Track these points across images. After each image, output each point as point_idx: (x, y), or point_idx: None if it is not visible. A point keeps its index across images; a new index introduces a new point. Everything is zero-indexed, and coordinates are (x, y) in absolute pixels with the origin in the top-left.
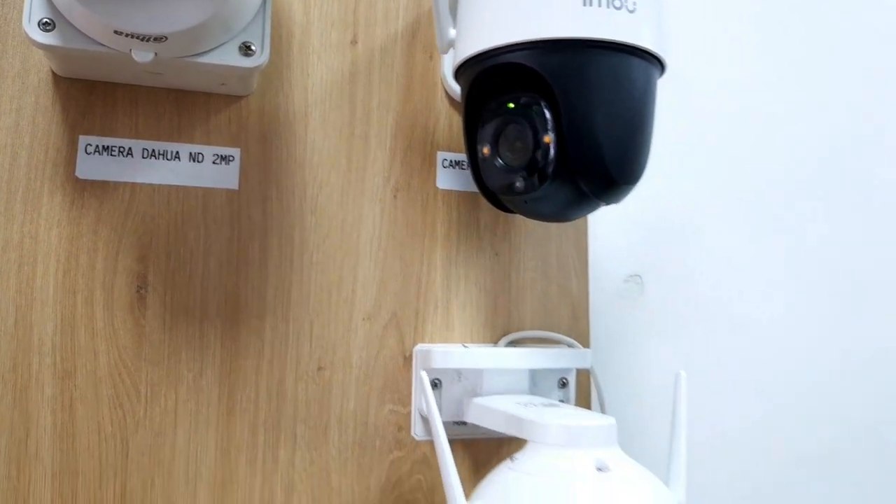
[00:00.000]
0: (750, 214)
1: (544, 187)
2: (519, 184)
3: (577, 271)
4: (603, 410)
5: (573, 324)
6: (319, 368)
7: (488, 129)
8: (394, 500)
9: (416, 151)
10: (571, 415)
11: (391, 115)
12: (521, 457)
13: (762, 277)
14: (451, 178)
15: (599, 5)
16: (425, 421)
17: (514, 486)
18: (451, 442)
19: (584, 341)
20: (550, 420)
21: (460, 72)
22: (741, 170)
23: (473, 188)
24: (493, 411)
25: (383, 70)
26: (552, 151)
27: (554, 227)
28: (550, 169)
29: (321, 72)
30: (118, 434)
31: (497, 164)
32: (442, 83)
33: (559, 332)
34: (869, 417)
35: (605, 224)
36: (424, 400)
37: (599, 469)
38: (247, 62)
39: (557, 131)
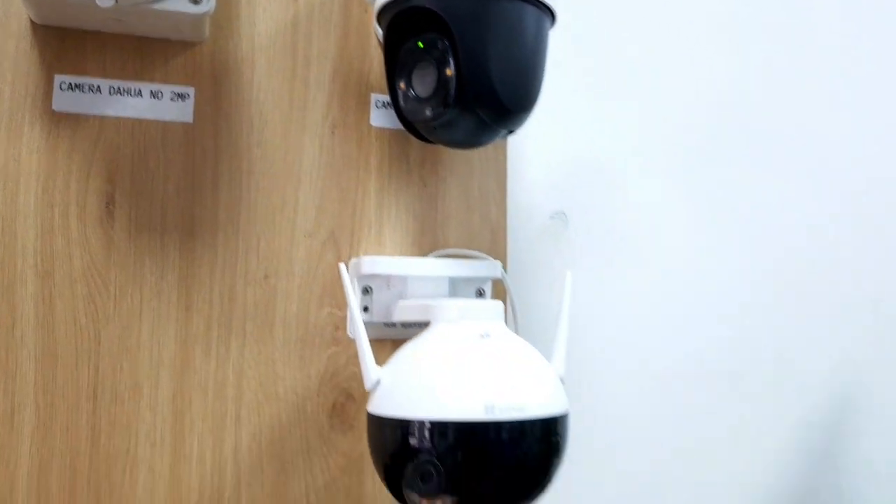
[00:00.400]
0: (668, 159)
1: (448, 114)
2: (429, 112)
3: (496, 201)
4: (515, 317)
5: (493, 246)
6: (266, 276)
7: (403, 66)
8: (332, 387)
9: (352, 93)
10: (465, 300)
11: (329, 62)
12: (424, 333)
13: (677, 216)
14: (383, 118)
15: None
16: None
17: (415, 353)
18: (381, 341)
19: (503, 260)
20: (448, 302)
21: (380, 17)
22: (660, 117)
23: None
24: (411, 307)
25: (322, 22)
26: (453, 83)
27: (476, 162)
28: (452, 98)
29: (266, 22)
30: (91, 326)
31: (410, 95)
32: (374, 33)
33: (480, 251)
34: (771, 342)
35: (534, 166)
36: (345, 289)
37: (482, 336)
38: (195, 9)
39: (457, 66)
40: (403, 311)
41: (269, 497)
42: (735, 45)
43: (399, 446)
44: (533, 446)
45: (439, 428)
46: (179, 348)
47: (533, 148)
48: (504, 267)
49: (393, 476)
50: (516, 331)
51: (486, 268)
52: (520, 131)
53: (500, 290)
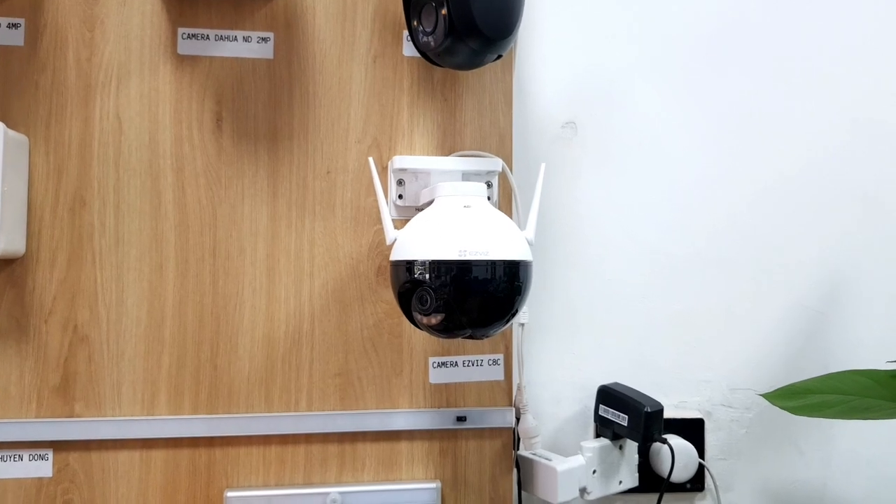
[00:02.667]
0: (668, 71)
1: (445, 44)
2: (432, 43)
3: (503, 111)
4: (517, 205)
5: (500, 148)
6: (328, 172)
7: (414, 8)
8: (377, 254)
9: (388, 30)
10: (455, 182)
11: (370, 5)
12: (428, 207)
13: (677, 123)
14: (412, 49)
15: None
16: (396, 207)
17: (418, 219)
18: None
19: (508, 160)
20: (443, 184)
21: None
22: (661, 32)
23: None
24: (427, 192)
25: None
26: (446, 20)
27: (487, 80)
28: (445, 31)
29: None
30: (210, 205)
31: (419, 30)
32: None
33: (489, 153)
34: (762, 233)
35: (547, 82)
36: (372, 177)
37: (465, 206)
38: None
39: (448, 7)
40: (423, 196)
41: (335, 329)
42: None
43: (406, 280)
44: (498, 282)
45: (430, 265)
46: (270, 222)
47: (544, 66)
48: (510, 166)
49: (404, 302)
50: (518, 216)
51: (489, 163)
52: (533, 51)
53: (506, 183)
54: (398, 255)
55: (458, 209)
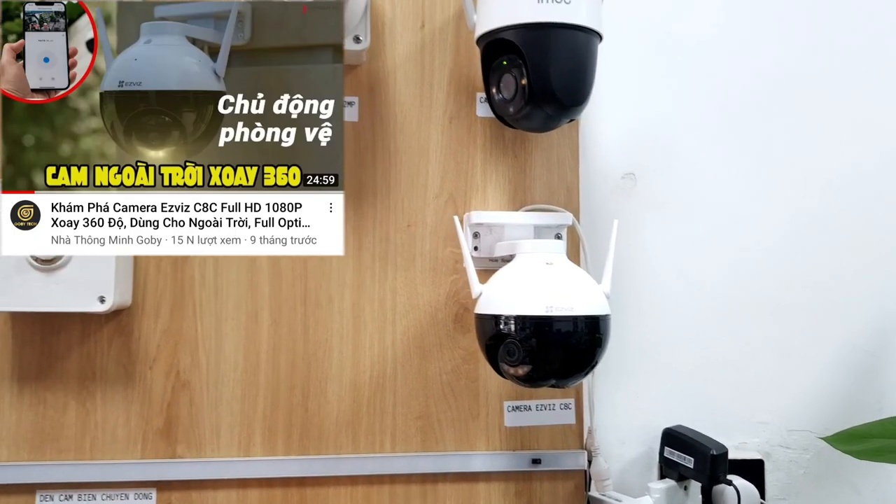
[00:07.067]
0: (719, 126)
1: (524, 111)
2: (511, 109)
3: (570, 167)
4: (586, 255)
5: (568, 202)
6: (408, 225)
7: (493, 77)
8: (454, 302)
9: (463, 92)
10: (538, 240)
11: (446, 70)
12: (510, 263)
13: (728, 173)
14: (485, 110)
15: (548, 2)
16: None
17: (503, 274)
18: (487, 271)
19: (576, 213)
20: (525, 242)
21: (478, 42)
22: (713, 91)
23: None
24: (504, 245)
25: (440, 43)
26: (526, 90)
27: (554, 138)
28: (526, 100)
29: (402, 46)
30: (301, 257)
31: (498, 97)
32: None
33: (558, 206)
34: (812, 276)
35: (608, 137)
36: (458, 234)
37: (548, 263)
38: (358, 46)
39: (528, 77)
40: (500, 249)
41: (416, 374)
42: (777, 29)
43: (494, 333)
44: (580, 335)
45: (517, 320)
46: (355, 273)
47: (603, 120)
48: (577, 218)
49: (492, 354)
50: (587, 265)
51: (559, 217)
52: (595, 107)
53: (574, 235)
54: (485, 308)
55: (542, 266)
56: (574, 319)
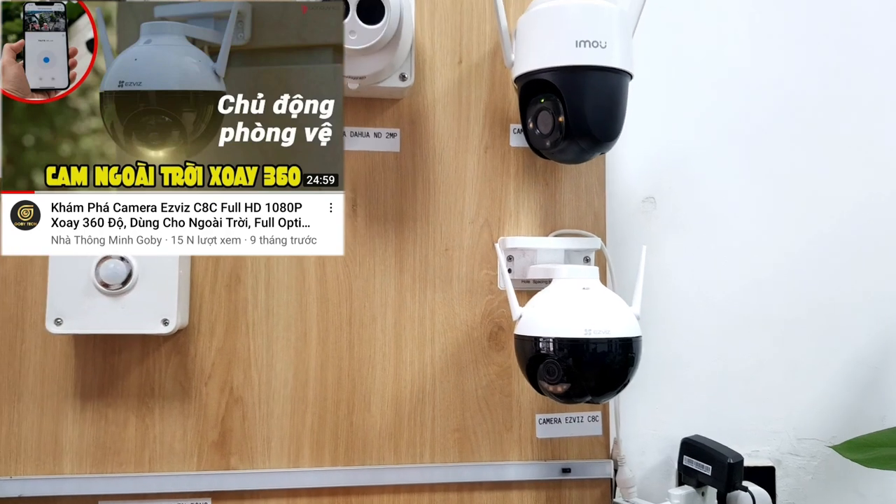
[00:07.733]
0: (736, 152)
1: (560, 145)
2: (548, 143)
3: (597, 194)
4: (612, 277)
5: (595, 226)
6: (446, 249)
7: (531, 113)
8: (489, 322)
9: (497, 124)
10: (575, 266)
11: (482, 104)
12: (548, 287)
13: (744, 197)
14: (518, 140)
15: (585, 46)
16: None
17: (543, 298)
18: (519, 292)
19: (603, 236)
20: (563, 267)
21: (517, 81)
22: (729, 119)
23: None
24: (539, 269)
25: (477, 78)
26: (563, 126)
27: (582, 167)
28: (562, 135)
29: (441, 81)
30: (346, 280)
31: (536, 132)
32: (511, 84)
33: (586, 230)
34: (822, 294)
35: (629, 163)
36: (499, 260)
37: (584, 288)
38: (403, 84)
39: (565, 115)
40: (534, 272)
41: (454, 389)
42: (793, 60)
43: (534, 354)
44: (614, 356)
45: (557, 342)
46: (397, 294)
47: (625, 146)
48: (604, 241)
49: (531, 372)
50: (613, 286)
51: (589, 242)
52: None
53: (601, 257)
54: (525, 330)
55: (579, 291)
56: (610, 341)
